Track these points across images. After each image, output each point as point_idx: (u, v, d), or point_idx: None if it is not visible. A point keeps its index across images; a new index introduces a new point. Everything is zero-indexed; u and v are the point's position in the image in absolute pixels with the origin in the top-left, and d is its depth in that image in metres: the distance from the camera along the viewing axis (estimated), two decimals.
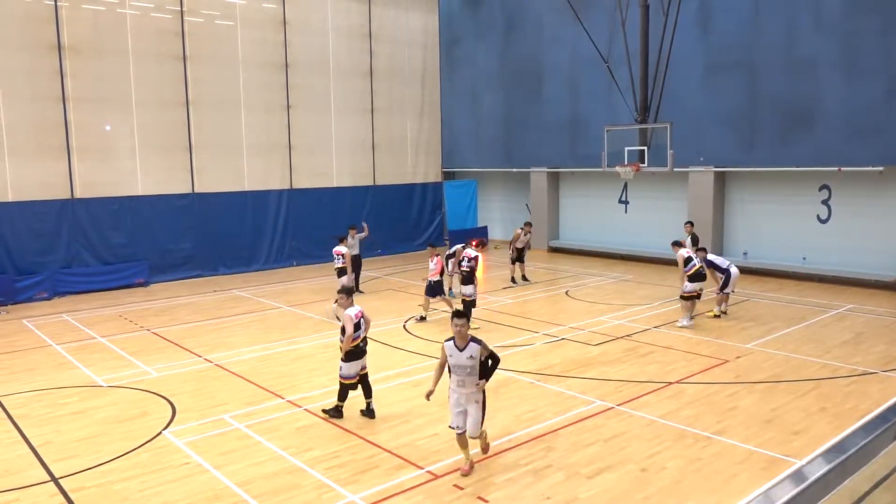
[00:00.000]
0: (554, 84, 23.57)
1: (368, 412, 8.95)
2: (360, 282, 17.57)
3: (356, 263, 17.16)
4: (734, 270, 14.01)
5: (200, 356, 11.95)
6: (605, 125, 18.22)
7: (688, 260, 13.47)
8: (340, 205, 22.83)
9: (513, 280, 18.26)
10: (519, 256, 18.23)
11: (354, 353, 8.83)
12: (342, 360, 8.82)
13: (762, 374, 10.42)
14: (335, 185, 23.10)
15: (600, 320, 14.05)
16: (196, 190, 19.99)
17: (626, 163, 17.28)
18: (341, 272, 15.69)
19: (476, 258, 13.99)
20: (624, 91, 18.11)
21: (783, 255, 18.70)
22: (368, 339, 9.04)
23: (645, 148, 17.25)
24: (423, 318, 14.15)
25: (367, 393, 9.03)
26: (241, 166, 20.93)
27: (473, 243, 15.04)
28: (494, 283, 18.16)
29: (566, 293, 17.07)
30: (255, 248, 21.20)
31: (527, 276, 18.54)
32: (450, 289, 16.70)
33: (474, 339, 7.20)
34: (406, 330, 13.56)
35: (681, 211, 20.52)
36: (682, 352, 11.70)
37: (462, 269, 13.85)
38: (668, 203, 21.19)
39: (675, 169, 17.39)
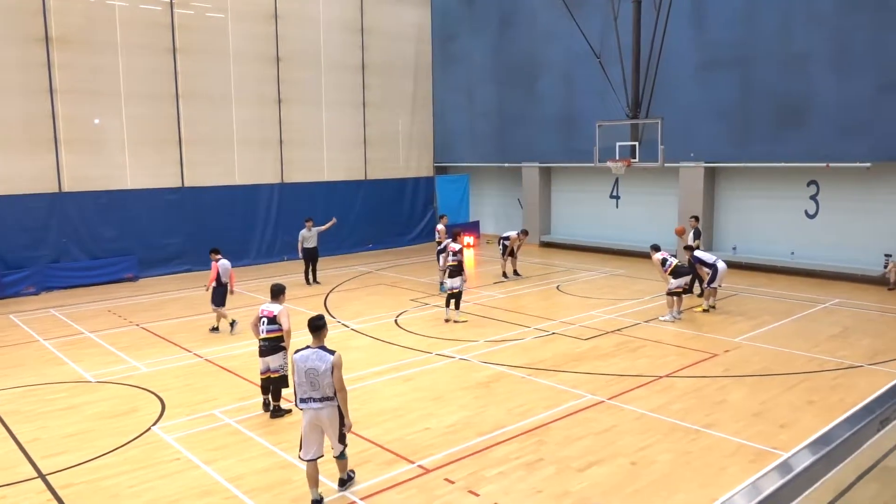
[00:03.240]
0: (548, 79, 23.56)
1: (265, 406, 9.01)
2: (318, 274, 18.36)
3: (311, 256, 17.98)
4: (721, 265, 14.09)
5: (191, 351, 11.92)
6: (596, 120, 18.26)
7: (663, 261, 13.72)
8: (332, 199, 22.79)
9: (504, 275, 18.30)
10: (511, 252, 18.28)
11: (259, 350, 9.00)
12: None
13: (751, 368, 10.49)
14: (327, 179, 23.06)
15: (592, 315, 14.10)
16: (186, 184, 19.92)
17: (617, 158, 17.31)
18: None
19: (461, 251, 14.04)
20: (616, 87, 18.13)
21: (772, 249, 18.82)
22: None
23: (636, 143, 17.31)
24: (215, 329, 13.20)
25: (265, 392, 9.04)
26: (232, 160, 20.86)
27: (459, 237, 15.01)
28: (486, 277, 18.18)
29: (558, 288, 17.11)
30: (246, 243, 21.15)
31: (518, 270, 18.59)
32: (441, 283, 16.73)
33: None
34: (398, 325, 13.57)
35: (672, 206, 20.60)
36: (673, 346, 11.76)
37: (450, 262, 13.90)
38: (659, 198, 21.27)
39: (666, 164, 17.45)
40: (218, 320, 13.26)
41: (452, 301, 13.76)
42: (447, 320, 13.70)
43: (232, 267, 13.23)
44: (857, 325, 12.99)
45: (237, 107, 20.78)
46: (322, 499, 6.60)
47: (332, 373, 6.37)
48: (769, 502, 1.72)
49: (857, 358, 10.92)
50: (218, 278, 12.94)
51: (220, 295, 13.03)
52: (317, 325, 6.68)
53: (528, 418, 8.60)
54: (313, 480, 6.60)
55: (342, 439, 6.67)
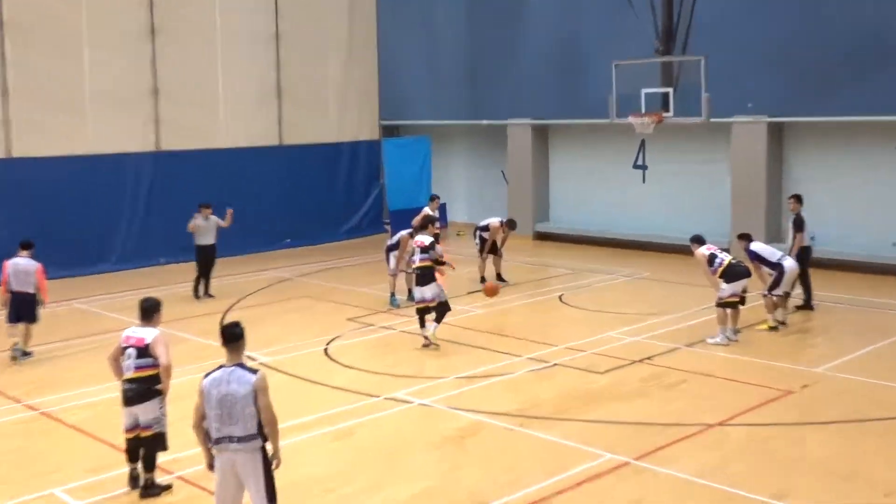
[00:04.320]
0: (538, 3, 23.62)
1: (132, 482, 8.70)
2: (211, 283, 18.09)
3: (206, 258, 17.85)
4: (788, 264, 14.18)
5: (19, 401, 11.64)
6: (612, 59, 18.36)
7: (711, 259, 13.76)
8: (232, 175, 22.53)
9: (482, 280, 18.20)
10: (493, 248, 18.29)
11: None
12: None
13: (838, 411, 10.55)
14: (222, 146, 22.85)
15: (608, 336, 14.15)
16: (14, 154, 19.58)
17: (643, 111, 17.40)
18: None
19: (432, 245, 13.90)
20: (639, 10, 18.22)
21: (866, 240, 18.98)
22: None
23: (670, 90, 17.43)
24: (25, 354, 13.51)
25: (131, 459, 8.75)
26: (81, 121, 20.55)
27: (432, 225, 14.86)
28: (460, 285, 18.01)
29: (559, 298, 17.19)
30: (102, 240, 20.91)
31: (503, 274, 18.58)
32: (392, 294, 16.62)
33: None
34: (329, 356, 13.44)
35: (722, 179, 20.73)
36: (725, 380, 11.82)
37: (415, 265, 13.83)
38: (703, 167, 21.46)
39: (713, 119, 17.54)
40: (23, 340, 13.41)
41: (428, 318, 13.63)
42: (426, 345, 13.60)
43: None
44: None
45: (91, 47, 20.46)
46: None
47: (254, 399, 6.51)
48: None
49: None
50: (8, 286, 13.16)
51: (18, 307, 13.26)
52: (232, 335, 6.82)
53: (520, 490, 8.49)
54: None
55: (271, 496, 6.65)
